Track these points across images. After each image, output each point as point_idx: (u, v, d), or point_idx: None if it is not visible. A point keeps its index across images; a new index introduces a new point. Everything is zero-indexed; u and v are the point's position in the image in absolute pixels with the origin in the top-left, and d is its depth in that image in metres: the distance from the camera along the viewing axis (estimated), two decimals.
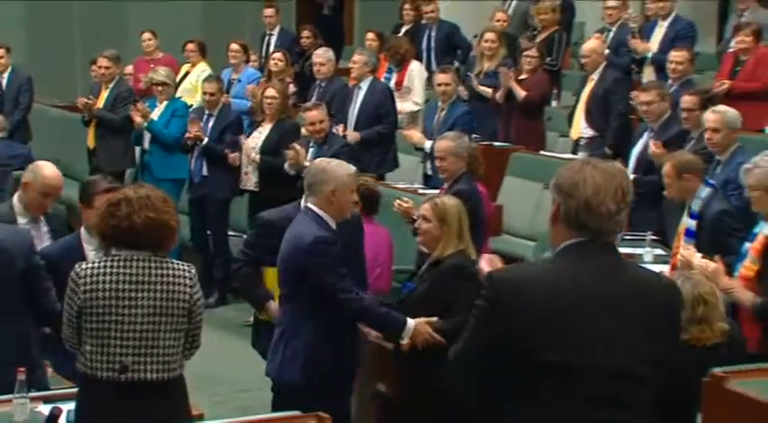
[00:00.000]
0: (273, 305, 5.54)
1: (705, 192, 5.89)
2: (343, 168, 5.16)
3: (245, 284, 5.77)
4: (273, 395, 5.32)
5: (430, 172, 8.40)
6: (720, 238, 5.64)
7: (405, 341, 5.08)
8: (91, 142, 10.00)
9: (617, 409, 2.90)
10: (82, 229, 5.22)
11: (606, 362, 2.89)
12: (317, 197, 5.06)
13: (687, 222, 5.92)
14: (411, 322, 5.08)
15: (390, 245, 6.57)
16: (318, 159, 5.45)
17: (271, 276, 5.54)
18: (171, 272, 4.08)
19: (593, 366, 2.88)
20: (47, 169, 5.55)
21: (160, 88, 9.24)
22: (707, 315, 4.50)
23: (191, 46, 10.91)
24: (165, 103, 9.22)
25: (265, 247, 5.50)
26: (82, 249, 5.13)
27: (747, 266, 4.93)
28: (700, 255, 5.62)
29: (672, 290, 3.11)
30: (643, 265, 6.08)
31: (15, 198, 5.58)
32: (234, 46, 10.58)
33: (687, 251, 5.67)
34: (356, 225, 5.39)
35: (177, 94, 9.72)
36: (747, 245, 5.03)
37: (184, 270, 4.12)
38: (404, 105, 9.83)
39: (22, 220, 5.47)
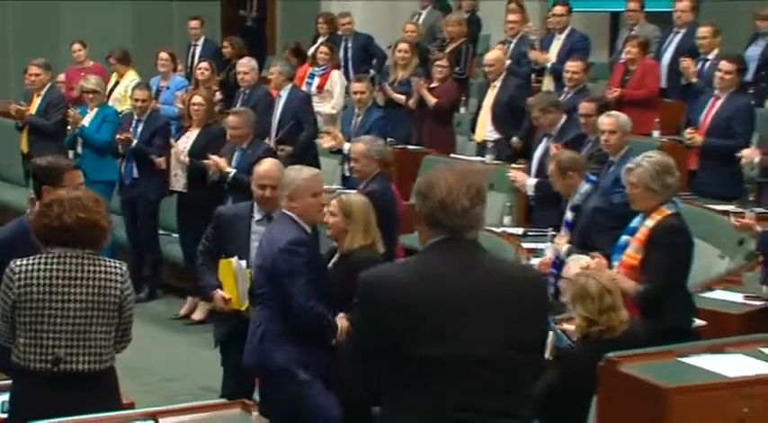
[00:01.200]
0: (218, 294, 5.62)
1: (585, 187, 6.00)
2: (300, 173, 5.13)
3: (199, 273, 5.84)
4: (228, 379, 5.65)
5: (348, 173, 8.40)
6: (590, 233, 5.74)
7: (333, 342, 5.04)
8: (25, 147, 9.79)
9: (486, 397, 2.89)
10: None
11: (474, 351, 2.87)
12: (284, 201, 5.09)
13: (567, 214, 6.03)
14: (337, 323, 5.04)
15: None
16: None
17: (223, 267, 5.62)
18: (103, 269, 4.03)
19: (461, 356, 2.87)
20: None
21: (90, 96, 9.11)
22: (613, 303, 4.58)
23: (111, 59, 10.78)
24: (96, 109, 9.08)
25: (217, 238, 5.72)
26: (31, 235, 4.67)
27: (631, 255, 4.94)
28: (567, 246, 5.73)
29: (537, 281, 3.14)
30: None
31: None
32: (163, 55, 10.44)
33: (561, 240, 5.86)
34: (314, 236, 5.27)
35: (109, 103, 9.59)
36: (626, 237, 5.04)
37: (116, 267, 4.08)
38: (323, 108, 9.93)
39: None
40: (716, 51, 9.03)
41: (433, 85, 9.45)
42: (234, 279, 5.57)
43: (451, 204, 2.91)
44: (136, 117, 8.74)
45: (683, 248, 4.94)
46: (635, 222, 5.06)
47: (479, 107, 9.18)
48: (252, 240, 5.57)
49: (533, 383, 3.09)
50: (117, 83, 10.62)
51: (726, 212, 6.40)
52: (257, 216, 5.68)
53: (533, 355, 3.00)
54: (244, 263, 5.52)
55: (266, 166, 5.75)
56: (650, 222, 4.92)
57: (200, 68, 10.15)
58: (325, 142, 8.74)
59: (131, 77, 10.51)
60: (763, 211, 6.19)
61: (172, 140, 8.53)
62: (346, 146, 8.18)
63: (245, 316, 5.44)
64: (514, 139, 8.80)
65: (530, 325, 2.97)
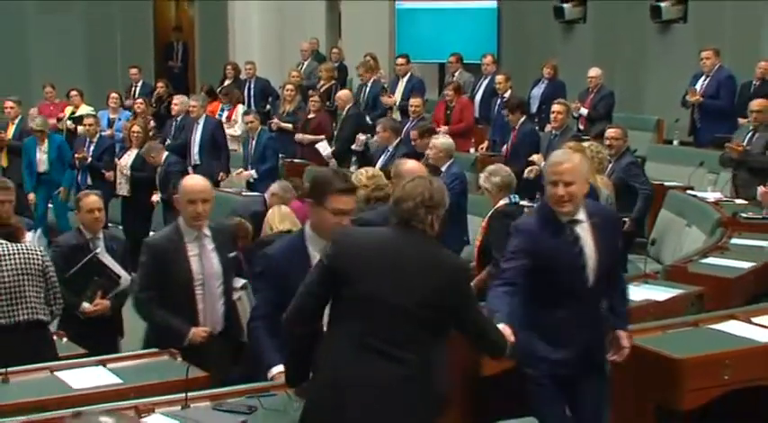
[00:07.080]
0: None
1: None
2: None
3: None
4: None
5: (252, 180, 8.52)
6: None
7: None
8: (4, 163, 9.48)
9: (392, 334, 2.93)
10: (307, 229, 3.51)
11: (394, 300, 2.92)
12: None
13: None
14: None
15: None
16: None
17: None
18: (24, 246, 4.16)
19: (383, 301, 2.92)
20: (187, 179, 4.18)
21: (38, 134, 8.86)
22: None
23: (74, 92, 10.60)
24: (47, 141, 8.90)
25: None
26: (306, 250, 3.45)
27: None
28: None
29: (462, 267, 3.15)
30: None
31: (180, 219, 4.04)
32: (114, 94, 10.45)
33: None
34: None
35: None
36: None
37: (34, 247, 4.20)
38: (231, 131, 10.03)
39: (188, 238, 3.95)
40: (509, 92, 9.27)
41: (310, 116, 9.45)
42: None
43: (403, 202, 3.03)
44: (88, 140, 8.79)
45: None
46: None
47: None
48: None
49: (439, 340, 3.02)
50: (73, 111, 10.42)
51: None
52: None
53: (443, 317, 2.99)
54: None
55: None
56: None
57: (136, 104, 10.15)
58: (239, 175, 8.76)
59: (86, 108, 10.39)
60: None
61: (116, 159, 8.52)
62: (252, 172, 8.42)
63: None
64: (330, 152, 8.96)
65: (445, 295, 2.97)
